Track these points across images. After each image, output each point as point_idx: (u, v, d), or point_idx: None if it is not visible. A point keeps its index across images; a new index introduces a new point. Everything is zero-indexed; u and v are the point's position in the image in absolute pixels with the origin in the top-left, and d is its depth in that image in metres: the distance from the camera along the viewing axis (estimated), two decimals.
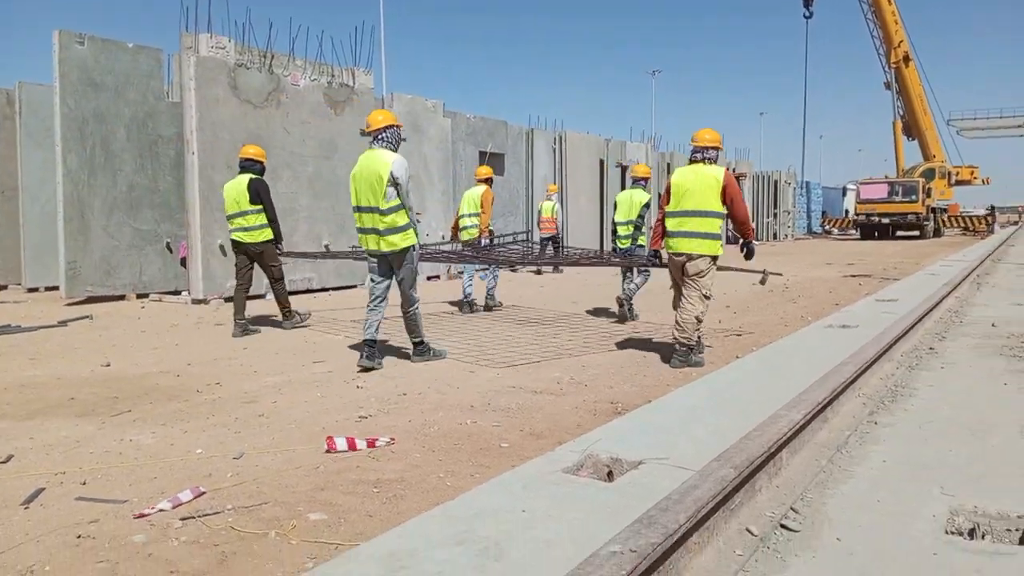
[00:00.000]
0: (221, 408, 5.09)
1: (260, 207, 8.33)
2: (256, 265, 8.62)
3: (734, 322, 8.83)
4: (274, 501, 3.39)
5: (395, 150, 6.51)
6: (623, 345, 7.34)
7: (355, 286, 13.44)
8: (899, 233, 34.85)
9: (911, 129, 41.92)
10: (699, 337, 6.44)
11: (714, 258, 6.31)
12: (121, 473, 3.80)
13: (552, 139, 20.33)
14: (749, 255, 6.70)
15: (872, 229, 34.62)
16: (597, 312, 9.89)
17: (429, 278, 15.17)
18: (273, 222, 8.46)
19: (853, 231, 38.44)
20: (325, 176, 13.03)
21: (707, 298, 6.33)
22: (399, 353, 7.01)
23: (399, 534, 2.10)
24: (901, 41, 39.76)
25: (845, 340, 5.22)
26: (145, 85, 11.62)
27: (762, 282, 7.22)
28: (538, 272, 16.30)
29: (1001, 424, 3.41)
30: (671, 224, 6.44)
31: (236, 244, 8.53)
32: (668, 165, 26.60)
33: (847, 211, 45.96)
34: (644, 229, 9.10)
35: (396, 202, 6.29)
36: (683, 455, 2.72)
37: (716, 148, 6.58)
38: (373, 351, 6.34)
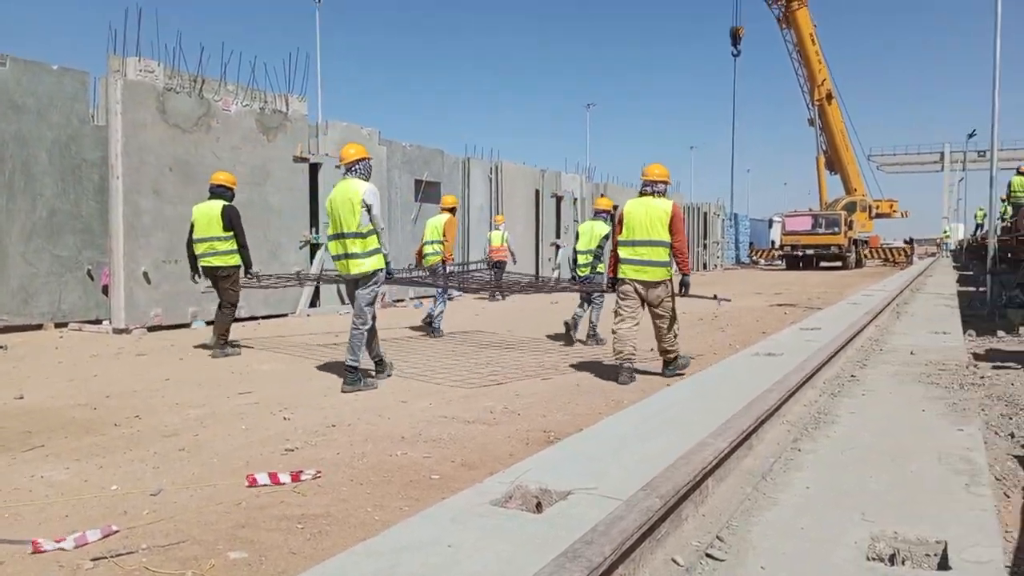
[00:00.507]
0: (140, 442, 4.90)
1: (231, 233, 8.56)
2: (215, 287, 8.81)
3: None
4: (192, 539, 3.26)
5: (367, 180, 6.91)
6: (557, 373, 7.36)
7: (285, 315, 13.18)
8: (823, 264, 35.94)
9: (833, 164, 43.50)
10: (676, 354, 7.05)
11: (665, 282, 6.85)
12: (31, 512, 3.62)
13: (488, 169, 20.44)
14: (685, 290, 7.24)
15: (797, 260, 35.64)
16: (532, 339, 9.91)
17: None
18: (243, 248, 8.66)
19: (779, 262, 39.52)
20: (257, 203, 12.79)
21: (675, 319, 6.95)
22: (328, 380, 6.88)
23: (319, 573, 2.03)
24: (824, 79, 41.35)
25: (771, 368, 5.33)
26: (69, 108, 11.27)
27: (717, 302, 7.64)
28: (492, 298, 16.43)
29: (919, 450, 3.51)
30: (624, 252, 6.93)
31: (205, 269, 8.72)
32: (602, 195, 27.00)
33: (773, 242, 47.23)
34: (603, 258, 9.45)
35: (369, 227, 6.71)
36: (612, 484, 2.72)
37: (665, 182, 7.09)
38: (353, 376, 6.66)
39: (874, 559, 2.34)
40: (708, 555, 2.31)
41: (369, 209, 6.67)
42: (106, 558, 3.03)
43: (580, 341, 9.43)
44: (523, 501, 2.60)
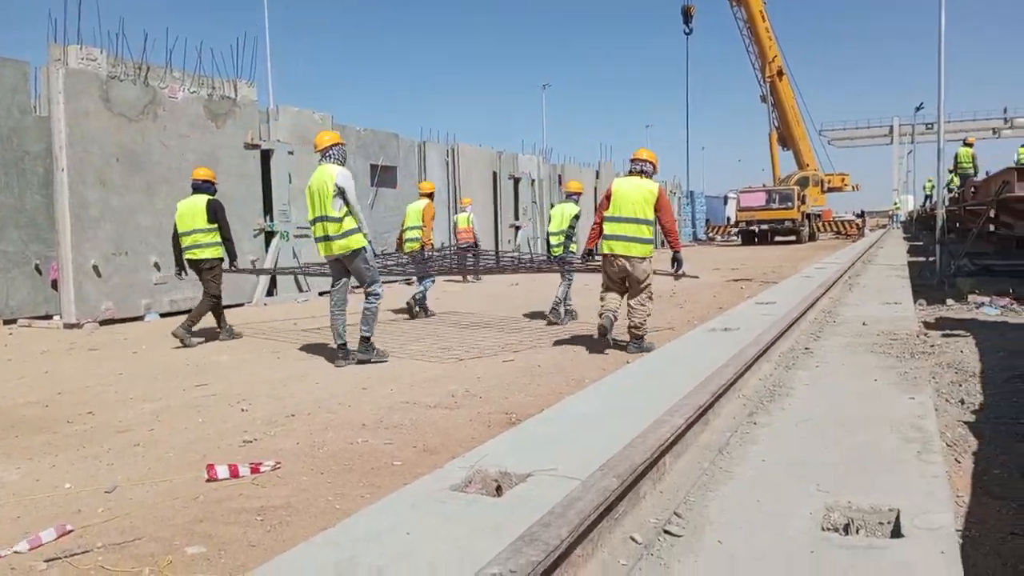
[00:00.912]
0: (93, 439, 4.80)
1: (215, 226, 8.84)
2: (200, 277, 9.04)
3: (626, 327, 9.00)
4: (149, 536, 3.21)
5: (342, 164, 7.18)
6: (519, 354, 7.36)
7: (242, 304, 12.99)
8: (777, 238, 36.44)
9: (786, 140, 44.05)
10: (643, 331, 7.23)
11: (647, 259, 7.15)
12: None
13: (445, 152, 20.31)
14: (678, 265, 7.49)
15: (752, 235, 36.09)
16: (497, 320, 9.90)
17: (321, 293, 14.84)
18: (228, 240, 8.97)
19: (735, 237, 39.97)
20: None
21: (651, 298, 7.28)
22: (288, 369, 6.80)
23: (275, 567, 2.01)
24: (775, 56, 41.74)
25: (728, 343, 5.39)
26: (10, 99, 10.90)
27: (676, 277, 7.77)
28: (465, 280, 16.54)
29: (872, 420, 3.58)
30: (608, 228, 7.19)
31: (189, 262, 8.94)
32: (559, 176, 27.02)
33: (729, 218, 47.77)
34: (574, 238, 10.00)
35: (344, 210, 6.97)
36: (572, 465, 2.73)
37: (652, 163, 7.42)
38: (346, 352, 7.11)
39: (829, 529, 2.38)
40: (666, 531, 2.33)
41: (342, 192, 6.90)
42: (60, 559, 2.96)
43: (551, 321, 9.67)
44: (483, 485, 2.59)
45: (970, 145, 21.86)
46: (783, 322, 5.86)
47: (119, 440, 4.76)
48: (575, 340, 8.13)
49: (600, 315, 7.30)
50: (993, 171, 17.09)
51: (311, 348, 8.26)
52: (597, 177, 30.47)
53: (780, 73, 41.96)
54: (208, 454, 4.38)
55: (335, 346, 7.27)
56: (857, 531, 2.39)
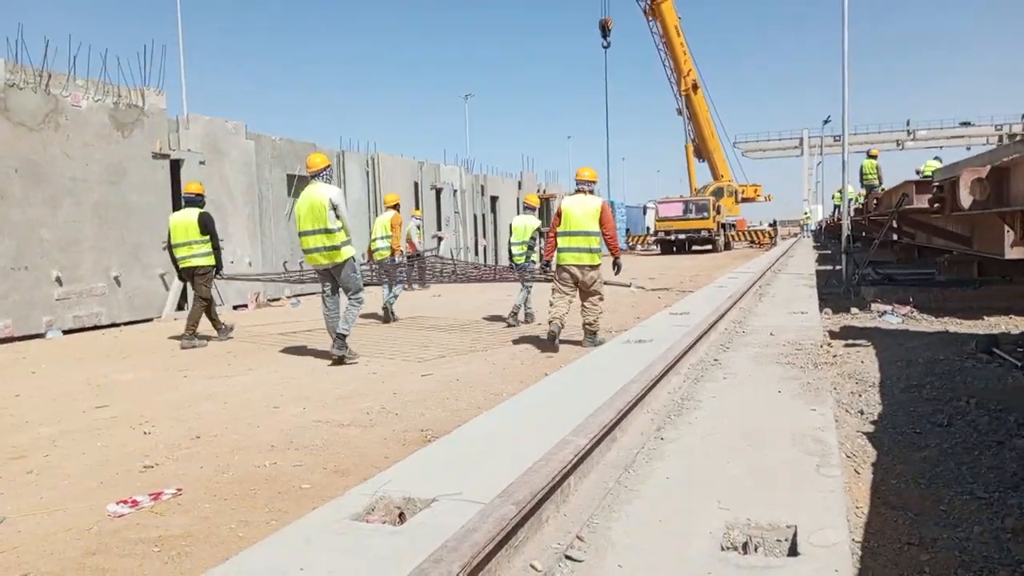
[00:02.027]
0: None
1: (207, 237, 9.59)
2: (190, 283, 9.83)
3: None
4: (36, 571, 3.05)
5: (330, 183, 8.07)
6: (437, 368, 7.30)
7: (151, 319, 12.54)
8: (694, 248, 37.32)
9: (701, 151, 45.22)
10: (596, 328, 8.24)
11: (596, 267, 8.17)
12: None
13: (365, 161, 20.09)
14: (618, 269, 8.77)
15: (671, 244, 36.85)
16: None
17: (236, 307, 14.45)
18: (217, 250, 9.76)
19: (654, 247, 40.75)
20: (113, 203, 12.10)
21: (602, 299, 8.32)
22: (195, 387, 6.57)
23: None
24: (690, 70, 42.84)
25: (640, 355, 5.46)
26: None
27: (632, 291, 9.32)
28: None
29: (774, 433, 3.66)
30: (561, 242, 8.23)
31: (184, 270, 9.70)
32: (482, 187, 27.07)
33: (648, 228, 48.66)
34: (535, 248, 11.13)
35: (338, 224, 7.79)
36: (478, 488, 2.70)
37: (594, 182, 8.52)
38: (341, 343, 7.74)
39: (728, 548, 2.41)
40: (568, 557, 2.32)
41: (335, 208, 7.74)
42: None
43: (510, 324, 10.49)
44: (385, 513, 2.54)
45: (874, 157, 22.78)
46: (693, 334, 5.97)
47: (11, 467, 4.52)
48: (522, 342, 8.93)
49: (550, 322, 8.17)
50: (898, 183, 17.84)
51: (221, 366, 8.00)
52: (519, 188, 30.65)
53: (695, 87, 43.07)
54: (106, 481, 4.19)
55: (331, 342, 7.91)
56: (756, 549, 2.43)
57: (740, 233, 42.70)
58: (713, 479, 3.01)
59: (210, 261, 9.66)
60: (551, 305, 8.21)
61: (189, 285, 9.89)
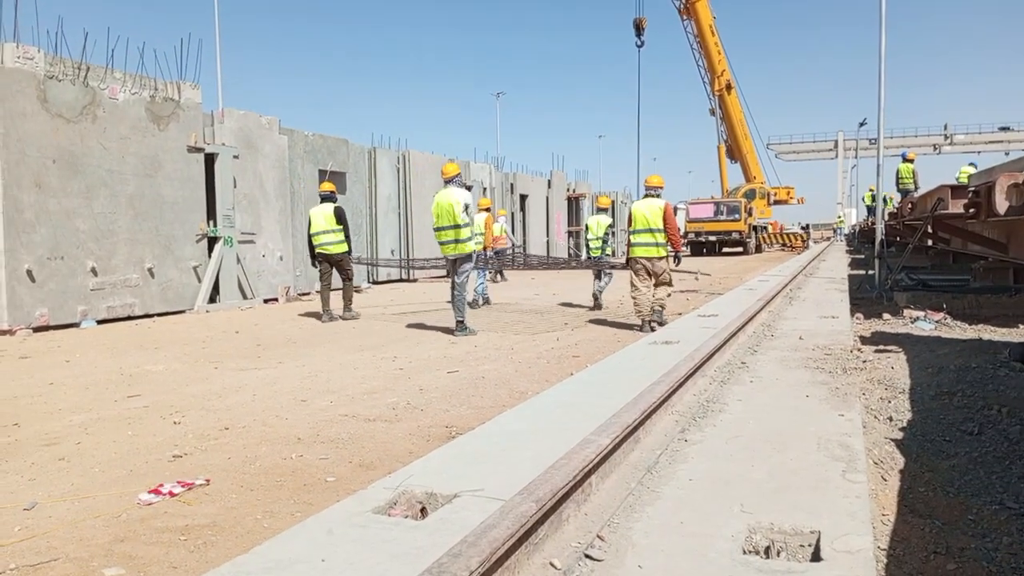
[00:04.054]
0: (17, 452, 4.64)
1: (341, 227, 11.42)
2: (335, 269, 11.62)
3: (571, 339, 9.04)
4: (66, 557, 3.10)
5: (461, 187, 9.88)
6: (464, 365, 7.32)
7: (183, 311, 12.73)
8: (725, 249, 37.04)
9: (734, 152, 44.85)
10: (663, 308, 9.89)
11: (664, 258, 9.66)
12: None
13: (396, 158, 20.20)
14: (678, 261, 10.24)
15: (701, 246, 36.61)
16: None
17: (266, 300, 14.62)
18: (348, 238, 11.61)
19: (684, 248, 40.48)
20: (148, 195, 12.29)
21: (670, 284, 9.95)
22: (225, 380, 6.66)
23: None
24: (724, 70, 42.49)
25: (667, 356, 5.44)
26: None
27: (696, 278, 10.33)
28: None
29: (800, 437, 3.63)
30: (634, 238, 9.76)
31: (322, 255, 11.45)
32: (512, 185, 27.09)
33: (679, 229, 48.32)
34: (609, 242, 13.07)
35: (467, 221, 9.48)
36: (499, 485, 2.71)
37: (660, 187, 10.07)
38: (462, 326, 9.52)
39: (750, 552, 2.39)
40: (587, 556, 2.32)
41: (467, 208, 9.44)
42: None
43: (594, 307, 12.45)
44: (408, 507, 2.56)
45: (910, 161, 22.43)
46: (721, 336, 5.93)
47: (44, 454, 4.61)
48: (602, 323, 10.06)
49: (635, 309, 9.80)
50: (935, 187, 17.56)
51: (250, 358, 8.10)
52: (549, 186, 30.63)
53: (729, 87, 42.72)
54: (135, 469, 4.26)
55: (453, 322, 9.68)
56: (778, 554, 2.41)
57: (772, 236, 42.31)
58: (736, 482, 2.99)
59: (343, 248, 11.47)
60: (634, 297, 9.74)
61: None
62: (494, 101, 55.73)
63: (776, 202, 46.04)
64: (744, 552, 2.37)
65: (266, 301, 14.60)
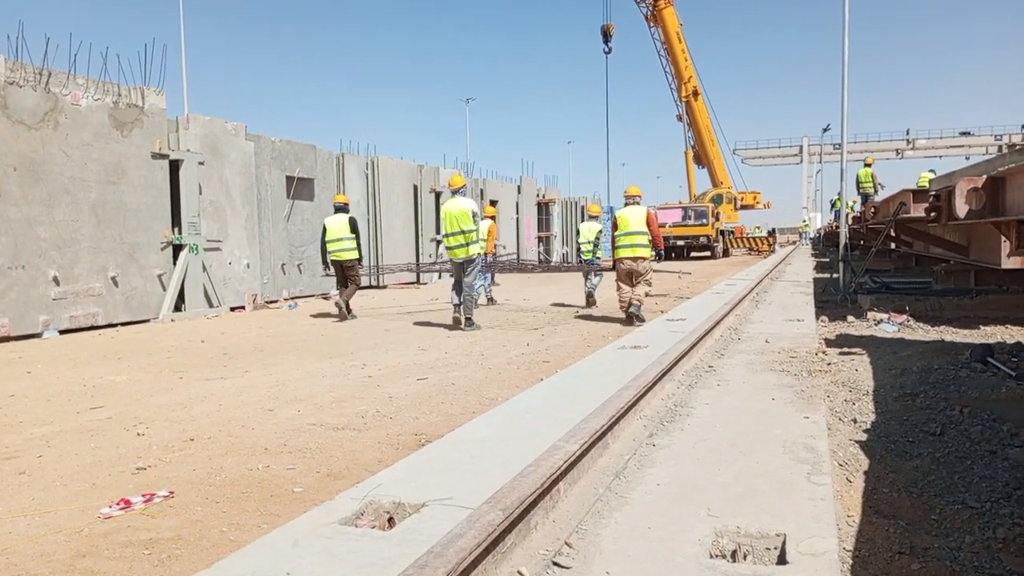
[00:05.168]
0: None
1: (354, 236, 12.44)
2: (344, 272, 12.51)
3: (541, 344, 9.04)
4: (26, 573, 3.04)
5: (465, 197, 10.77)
6: (433, 372, 7.29)
7: (148, 320, 12.54)
8: (693, 254, 37.34)
9: (701, 158, 45.26)
10: (641, 303, 10.68)
11: (648, 258, 10.73)
12: None
13: (364, 164, 20.10)
14: (660, 259, 11.59)
15: (669, 251, 36.81)
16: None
17: (233, 308, 14.45)
18: (359, 246, 12.60)
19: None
20: (111, 202, 12.10)
21: (650, 284, 11.04)
22: (190, 390, 6.57)
23: None
24: (691, 77, 42.89)
25: (635, 361, 5.46)
26: None
27: (679, 276, 11.30)
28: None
29: (766, 440, 3.66)
30: (620, 241, 10.79)
31: (335, 262, 12.43)
32: (481, 191, 27.07)
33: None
34: (599, 246, 14.23)
35: (472, 227, 10.37)
36: (468, 493, 2.70)
37: (639, 196, 11.13)
38: (470, 323, 10.47)
39: (717, 556, 2.41)
40: (555, 563, 2.32)
41: (474, 216, 10.38)
42: None
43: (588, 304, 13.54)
44: (375, 517, 2.54)
45: (869, 165, 22.87)
46: (689, 340, 5.97)
47: (4, 468, 4.51)
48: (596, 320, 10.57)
49: (620, 304, 10.88)
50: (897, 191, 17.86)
51: (216, 368, 7.99)
52: (519, 192, 30.66)
53: (696, 93, 43.12)
54: (98, 482, 4.19)
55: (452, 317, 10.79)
56: (744, 557, 2.43)
57: (739, 240, 42.73)
58: (704, 486, 3.01)
59: (354, 254, 12.43)
60: (619, 292, 10.78)
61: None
62: (463, 106, 55.69)
63: (743, 207, 46.51)
64: (711, 556, 2.39)
65: (233, 309, 14.43)
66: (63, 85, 11.45)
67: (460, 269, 10.54)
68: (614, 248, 10.98)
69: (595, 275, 13.91)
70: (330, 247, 12.44)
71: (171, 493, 3.95)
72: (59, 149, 11.33)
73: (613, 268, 11.39)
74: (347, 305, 12.36)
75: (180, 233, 13.34)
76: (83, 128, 11.72)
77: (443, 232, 10.63)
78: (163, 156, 13.12)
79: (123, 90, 12.41)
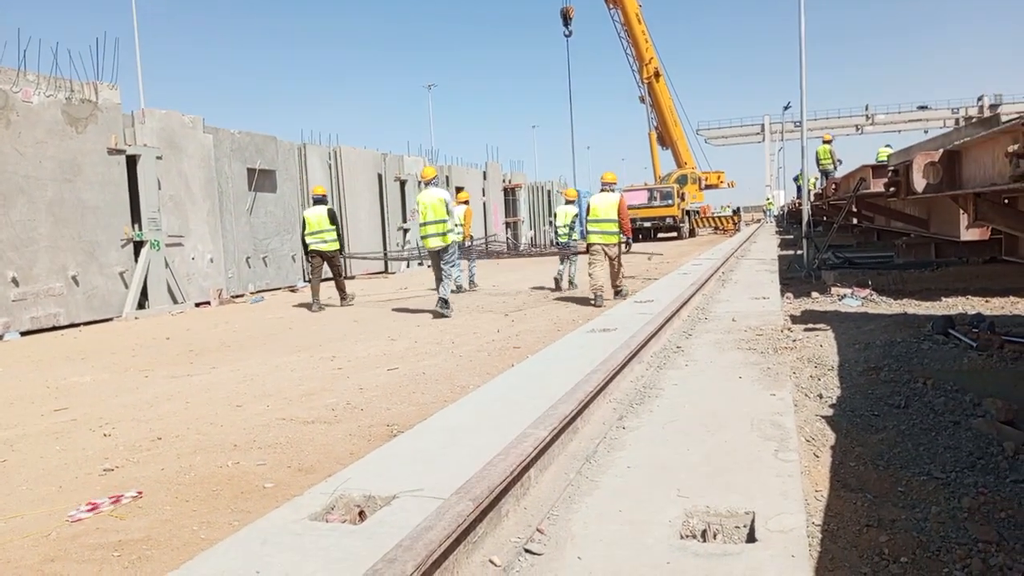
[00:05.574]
0: None
1: (334, 227, 12.66)
2: (327, 263, 12.74)
3: (512, 330, 9.04)
4: None
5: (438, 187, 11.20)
6: (404, 363, 7.26)
7: (111, 319, 12.33)
8: (660, 235, 37.54)
9: (664, 139, 45.39)
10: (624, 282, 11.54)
11: (617, 244, 11.16)
12: None
13: (327, 154, 19.90)
14: (628, 246, 11.69)
15: (636, 232, 36.98)
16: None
17: (198, 304, 14.26)
18: (340, 237, 12.97)
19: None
20: (68, 201, 11.85)
21: (622, 265, 11.44)
22: (156, 389, 6.48)
23: None
24: (652, 58, 42.93)
25: (604, 344, 5.49)
26: None
27: (649, 258, 11.14)
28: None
29: (734, 418, 3.70)
30: (592, 227, 11.20)
31: (316, 252, 12.58)
32: (447, 177, 26.94)
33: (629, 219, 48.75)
34: (575, 230, 14.21)
35: (446, 216, 10.73)
36: (439, 483, 2.70)
37: (614, 183, 11.64)
38: (444, 303, 10.61)
39: (687, 536, 2.43)
40: (527, 550, 2.33)
41: (446, 204, 10.76)
42: None
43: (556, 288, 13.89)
44: (345, 511, 2.53)
45: (828, 142, 23.14)
46: (657, 322, 6.01)
47: None
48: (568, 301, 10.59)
49: (592, 288, 11.08)
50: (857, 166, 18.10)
51: (182, 365, 7.89)
52: (485, 178, 30.56)
53: (657, 75, 43.18)
54: (65, 485, 4.12)
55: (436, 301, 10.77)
56: (714, 536, 2.45)
57: (704, 219, 43.02)
58: (673, 467, 3.04)
59: (335, 245, 12.70)
60: (591, 276, 11.05)
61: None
62: (426, 93, 55.27)
63: (707, 186, 46.81)
64: (682, 537, 2.41)
65: (198, 305, 14.25)
66: (13, 82, 11.16)
67: (437, 257, 10.84)
68: (586, 233, 11.44)
69: (569, 259, 14.31)
70: (311, 239, 12.61)
71: (139, 493, 3.90)
72: (12, 147, 11.05)
73: (587, 251, 11.75)
74: (342, 295, 12.81)
75: (140, 229, 13.11)
76: (36, 125, 11.44)
77: (420, 221, 10.93)
78: (120, 152, 12.87)
79: (76, 85, 12.14)
